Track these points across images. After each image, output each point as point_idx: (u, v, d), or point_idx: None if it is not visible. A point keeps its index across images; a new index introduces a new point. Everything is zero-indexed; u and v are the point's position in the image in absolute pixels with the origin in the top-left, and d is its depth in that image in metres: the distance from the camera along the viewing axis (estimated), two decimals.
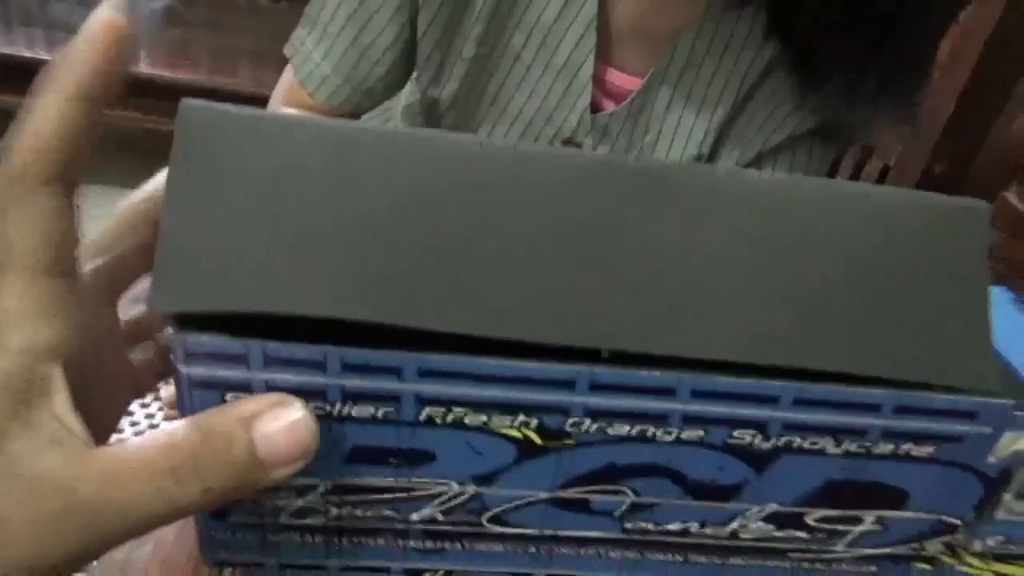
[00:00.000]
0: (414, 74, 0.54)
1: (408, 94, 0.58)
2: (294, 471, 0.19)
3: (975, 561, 0.28)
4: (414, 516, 0.23)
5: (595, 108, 0.52)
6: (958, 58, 0.73)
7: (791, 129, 0.51)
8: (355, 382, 0.20)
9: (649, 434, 0.22)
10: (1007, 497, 0.26)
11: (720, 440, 0.22)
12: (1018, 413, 0.23)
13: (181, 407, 0.20)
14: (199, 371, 0.19)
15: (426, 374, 0.20)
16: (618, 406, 0.21)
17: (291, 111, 0.55)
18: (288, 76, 0.56)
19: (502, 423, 0.21)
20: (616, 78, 0.52)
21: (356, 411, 0.20)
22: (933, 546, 0.27)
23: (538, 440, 0.22)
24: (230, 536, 0.23)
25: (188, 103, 0.19)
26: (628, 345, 0.20)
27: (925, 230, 0.22)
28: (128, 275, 0.21)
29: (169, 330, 0.18)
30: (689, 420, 0.22)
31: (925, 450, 0.24)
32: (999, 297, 0.29)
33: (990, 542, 0.27)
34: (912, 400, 0.22)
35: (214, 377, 0.19)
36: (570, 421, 0.21)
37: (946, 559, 0.27)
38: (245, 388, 0.19)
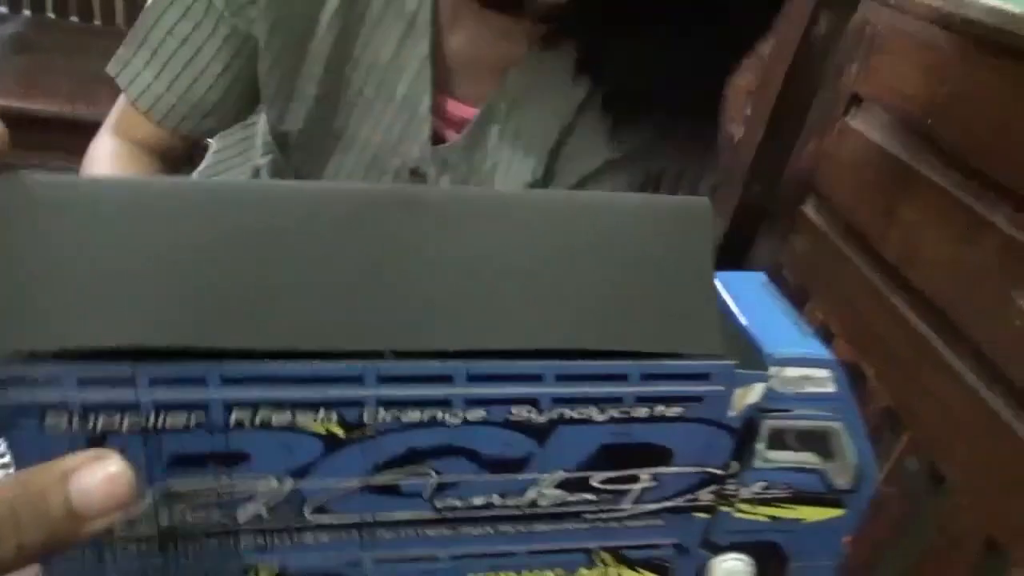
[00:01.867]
0: (261, 116, 0.56)
1: (262, 129, 0.60)
2: (111, 522, 0.19)
3: (745, 507, 0.30)
4: (240, 516, 0.25)
5: (440, 138, 0.56)
6: (765, 87, 0.84)
7: (607, 155, 0.56)
8: (164, 394, 0.21)
9: (439, 418, 0.24)
10: (759, 447, 0.29)
11: (501, 418, 0.25)
12: (740, 371, 0.27)
13: (7, 436, 0.21)
14: (22, 396, 0.20)
15: (229, 381, 0.22)
16: (406, 395, 0.23)
17: (118, 147, 0.55)
18: (121, 103, 0.56)
19: (306, 420, 0.23)
20: (457, 109, 0.55)
21: (169, 421, 0.22)
22: (706, 496, 0.30)
23: (341, 433, 0.24)
24: (66, 556, 0.24)
25: (12, 176, 0.21)
26: (410, 345, 0.23)
27: (658, 226, 0.26)
28: None
29: None
30: (471, 402, 0.24)
31: (675, 410, 0.27)
32: (756, 280, 0.33)
33: (755, 488, 0.30)
34: (653, 368, 0.25)
35: (34, 401, 0.20)
36: (366, 413, 0.23)
37: (721, 507, 0.30)
38: (63, 407, 0.21)
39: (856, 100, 0.70)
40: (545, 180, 0.57)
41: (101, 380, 0.21)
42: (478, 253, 0.24)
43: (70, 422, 0.21)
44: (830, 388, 0.29)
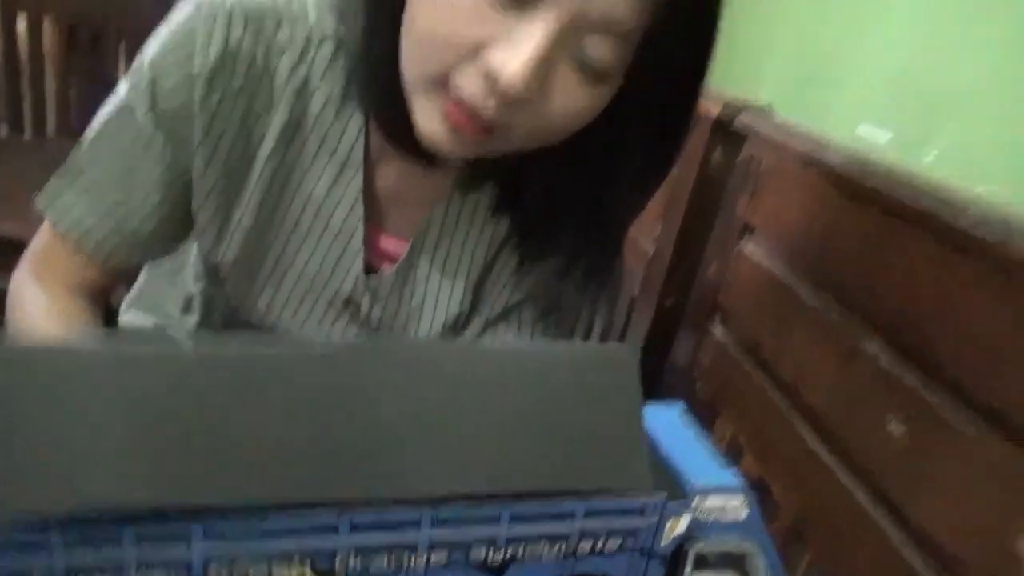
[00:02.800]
0: (195, 244, 0.57)
1: (193, 258, 0.61)
2: None
3: None
4: None
5: (373, 269, 0.58)
6: (672, 211, 0.90)
7: (527, 288, 0.60)
8: (148, 553, 0.22)
9: (404, 563, 0.26)
10: (687, 570, 0.32)
11: (462, 558, 0.27)
12: (671, 503, 0.29)
13: None
14: (8, 563, 0.21)
15: (211, 536, 0.23)
16: (377, 542, 0.25)
17: (47, 299, 0.55)
18: (45, 238, 0.56)
19: (280, 570, 0.24)
20: (388, 243, 0.58)
21: None
22: None
23: None
24: None
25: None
26: (379, 493, 0.24)
27: (589, 373, 0.29)
28: None
29: None
30: (435, 545, 0.26)
31: (615, 543, 0.29)
32: (674, 411, 0.36)
33: None
34: (596, 506, 0.28)
35: (18, 568, 0.21)
36: (339, 559, 0.25)
37: None
38: (50, 573, 0.21)
39: (748, 228, 0.77)
40: (471, 311, 0.60)
41: (87, 541, 0.22)
42: (432, 404, 0.26)
43: None
44: (743, 514, 0.33)
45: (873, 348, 0.57)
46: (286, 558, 0.24)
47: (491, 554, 0.27)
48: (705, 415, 0.81)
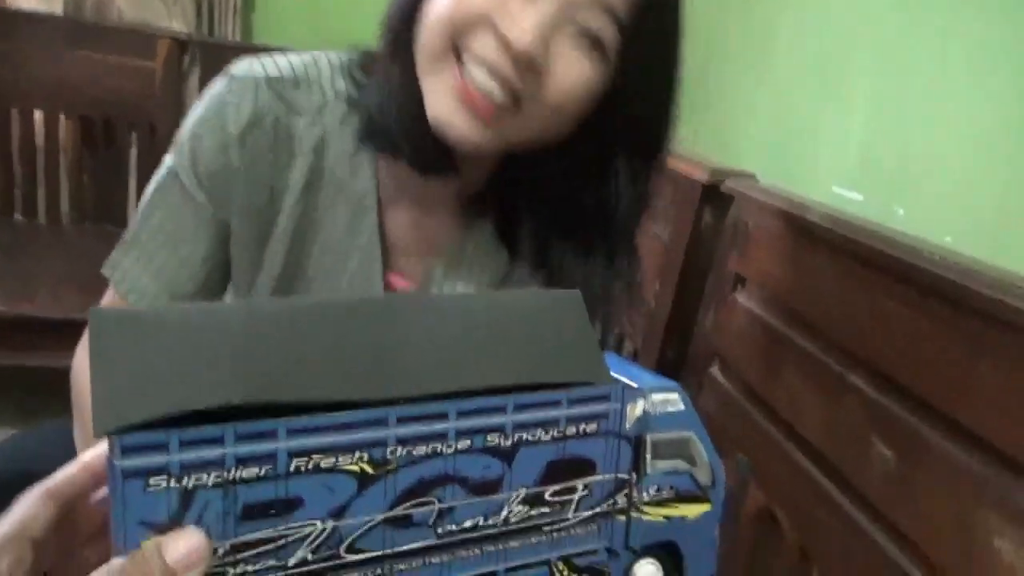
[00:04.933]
0: (230, 287, 0.63)
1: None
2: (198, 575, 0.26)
3: (647, 509, 0.38)
4: (291, 561, 0.29)
5: None
6: (669, 267, 0.99)
7: None
8: (244, 449, 0.27)
9: (438, 450, 0.31)
10: (648, 458, 0.37)
11: (480, 445, 0.32)
12: (627, 390, 0.35)
13: (113, 500, 0.25)
14: (129, 463, 0.25)
15: (293, 432, 0.27)
16: (417, 432, 0.30)
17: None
18: (108, 298, 0.62)
19: (345, 461, 0.29)
20: (400, 283, 0.64)
21: (245, 473, 0.27)
22: (621, 499, 0.37)
23: (370, 470, 0.29)
24: None
25: (97, 311, 0.27)
26: (414, 392, 0.31)
27: (545, 306, 0.36)
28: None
29: (112, 438, 0.25)
30: (460, 434, 0.31)
31: (592, 427, 0.35)
32: (611, 356, 0.41)
33: (651, 492, 0.38)
34: (575, 394, 0.34)
35: (140, 467, 0.25)
36: (388, 450, 0.30)
37: (632, 513, 0.37)
38: (162, 471, 0.26)
39: (740, 280, 0.85)
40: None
41: (198, 440, 0.26)
42: (445, 330, 0.33)
43: (168, 482, 0.26)
44: (681, 407, 0.38)
45: (858, 381, 0.64)
46: (349, 450, 0.29)
47: (501, 440, 0.32)
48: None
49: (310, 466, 0.28)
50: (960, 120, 0.85)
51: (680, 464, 0.38)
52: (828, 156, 1.10)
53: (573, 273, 0.60)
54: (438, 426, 0.31)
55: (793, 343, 0.73)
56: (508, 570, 0.34)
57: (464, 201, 0.62)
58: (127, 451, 0.25)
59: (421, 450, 0.30)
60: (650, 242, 1.00)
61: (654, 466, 0.37)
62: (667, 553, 0.40)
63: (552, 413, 0.34)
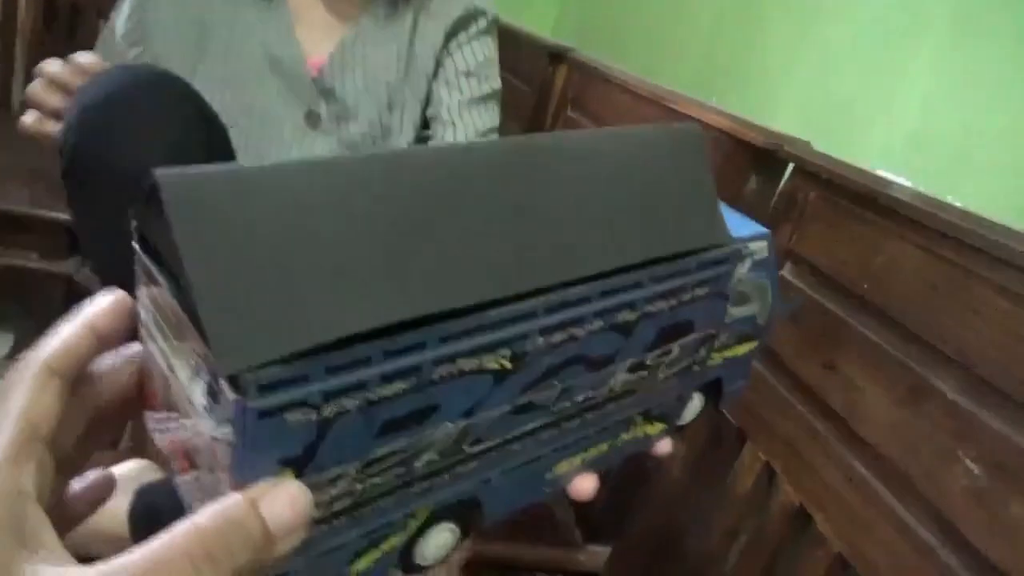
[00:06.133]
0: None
1: None
2: (297, 541, 0.21)
3: (716, 354, 0.38)
4: (417, 464, 0.26)
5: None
6: None
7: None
8: (390, 365, 0.23)
9: (575, 336, 0.28)
10: (729, 306, 0.37)
11: (611, 323, 0.30)
12: (744, 247, 0.34)
13: (242, 445, 0.21)
14: (266, 403, 0.21)
15: (444, 339, 0.24)
16: (559, 320, 0.27)
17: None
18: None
19: (488, 360, 0.26)
20: (316, 61, 0.89)
21: (389, 390, 0.23)
22: (702, 352, 0.36)
23: (509, 365, 0.27)
24: None
25: (163, 172, 0.20)
26: (559, 277, 0.27)
27: (663, 148, 0.32)
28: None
29: (243, 375, 0.20)
30: (596, 315, 0.29)
31: (704, 291, 0.33)
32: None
33: (723, 339, 0.38)
34: (703, 259, 0.32)
35: (278, 404, 0.21)
36: (529, 343, 0.27)
37: (707, 363, 0.37)
38: (303, 404, 0.21)
39: (791, 256, 0.77)
40: (405, 75, 0.92)
41: (345, 365, 0.22)
42: (574, 191, 0.29)
43: (307, 415, 0.22)
44: (765, 254, 0.37)
45: (943, 386, 0.57)
46: (492, 349, 0.26)
47: (630, 316, 0.30)
48: (733, 439, 0.80)
49: (454, 371, 0.25)
50: (1015, 113, 0.78)
51: (751, 309, 0.38)
52: (875, 134, 1.01)
53: None
54: (580, 310, 0.28)
55: (857, 332, 0.66)
56: (598, 431, 0.33)
57: None
58: (264, 389, 0.20)
59: (558, 337, 0.28)
60: None
61: (731, 314, 0.37)
62: (712, 386, 0.40)
63: (679, 282, 0.32)
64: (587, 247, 0.28)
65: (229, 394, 0.20)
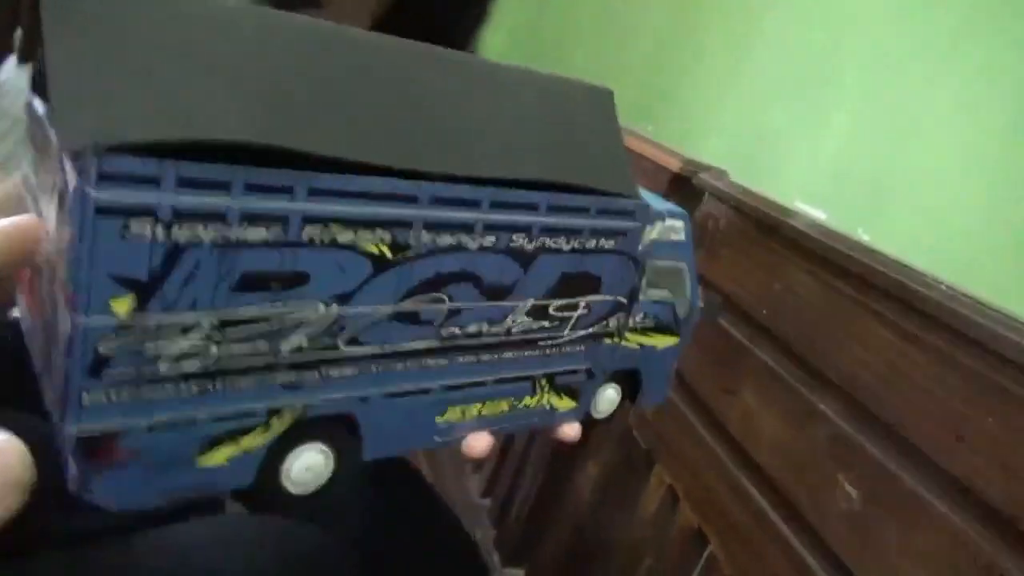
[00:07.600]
0: None
1: None
2: (5, 505, 0.19)
3: (629, 335, 0.37)
4: (284, 346, 0.24)
5: None
6: None
7: None
8: (253, 203, 0.21)
9: (462, 243, 0.27)
10: (643, 283, 0.36)
11: (504, 245, 0.29)
12: (650, 209, 0.33)
13: (79, 241, 0.19)
14: (107, 196, 0.19)
15: (314, 192, 0.22)
16: (446, 218, 0.26)
17: None
18: None
19: (364, 238, 0.24)
20: None
21: (250, 234, 0.22)
22: (613, 323, 0.35)
23: (388, 254, 0.25)
24: (102, 398, 0.21)
25: None
26: (448, 169, 0.26)
27: (579, 99, 0.32)
28: None
29: (84, 153, 0.18)
30: (487, 228, 0.28)
31: (610, 243, 0.32)
32: None
33: (638, 319, 0.37)
34: (606, 204, 0.31)
35: (121, 203, 0.19)
36: (412, 235, 0.26)
37: (617, 337, 0.36)
38: (149, 213, 0.20)
39: (702, 281, 0.78)
40: None
41: (200, 182, 0.20)
42: (475, 102, 0.28)
43: (155, 230, 0.20)
44: (682, 236, 0.37)
45: (827, 410, 0.58)
46: (370, 226, 0.24)
47: (525, 243, 0.29)
48: (642, 462, 0.80)
49: (325, 238, 0.24)
50: (942, 145, 0.81)
51: (667, 295, 0.38)
52: (796, 167, 1.04)
53: None
54: (468, 214, 0.27)
55: (757, 357, 0.67)
56: (497, 382, 0.32)
57: None
58: (106, 179, 0.19)
59: (445, 240, 0.27)
60: None
61: (646, 293, 0.36)
62: (628, 379, 0.39)
63: (578, 221, 0.31)
64: (484, 151, 0.27)
65: (71, 179, 0.19)
